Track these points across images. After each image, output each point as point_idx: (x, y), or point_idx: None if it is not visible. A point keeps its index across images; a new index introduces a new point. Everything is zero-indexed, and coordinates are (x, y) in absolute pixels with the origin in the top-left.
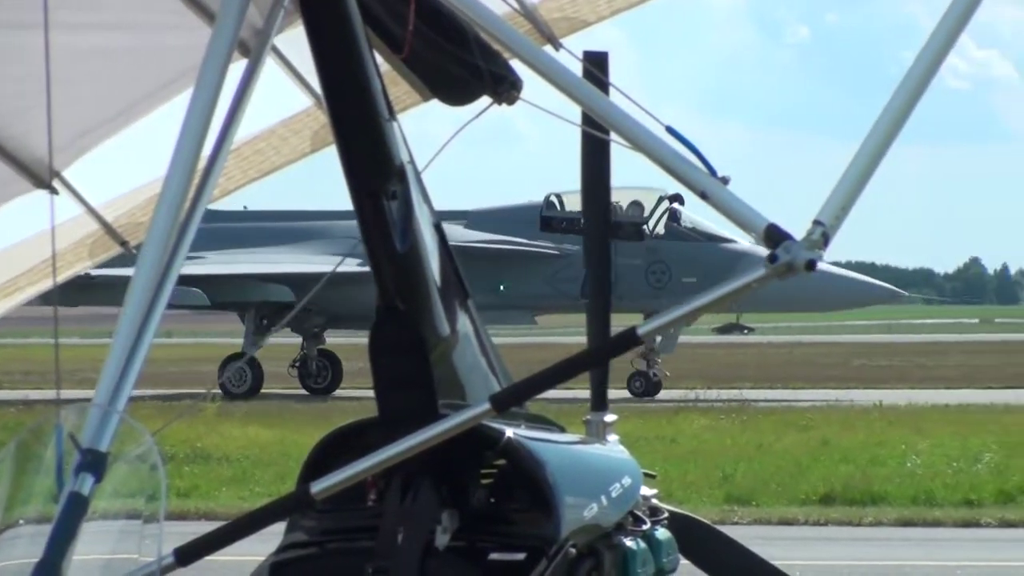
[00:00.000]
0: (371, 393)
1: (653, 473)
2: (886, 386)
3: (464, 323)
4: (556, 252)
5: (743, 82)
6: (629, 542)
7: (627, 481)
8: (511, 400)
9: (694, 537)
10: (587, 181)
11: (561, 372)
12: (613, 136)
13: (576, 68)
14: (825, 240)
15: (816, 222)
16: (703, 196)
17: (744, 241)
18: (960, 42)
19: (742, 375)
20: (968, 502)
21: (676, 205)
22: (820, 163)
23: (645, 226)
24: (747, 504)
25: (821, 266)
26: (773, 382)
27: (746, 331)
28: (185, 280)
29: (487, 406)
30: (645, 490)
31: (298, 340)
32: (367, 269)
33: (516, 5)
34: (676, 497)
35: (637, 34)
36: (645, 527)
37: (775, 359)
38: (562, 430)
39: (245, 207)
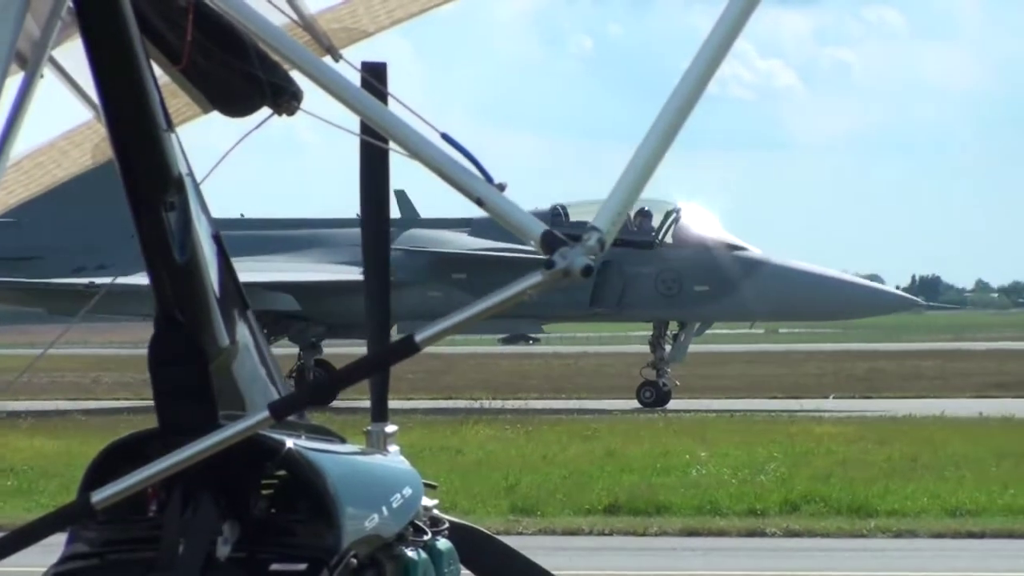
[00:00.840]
0: (368, 404)
1: (434, 484)
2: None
3: (243, 333)
4: None
5: (529, 91)
6: (410, 552)
7: (408, 492)
8: (289, 408)
9: (475, 547)
10: (366, 189)
11: (339, 380)
12: (391, 144)
13: (355, 78)
14: (601, 246)
15: (592, 228)
16: (479, 203)
17: (755, 248)
18: (744, 52)
19: (528, 385)
20: (752, 511)
21: (675, 210)
22: (607, 169)
23: (654, 234)
24: (532, 514)
25: (840, 274)
26: (558, 392)
27: (531, 341)
28: None
29: (266, 414)
30: (426, 500)
31: (294, 350)
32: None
33: (295, 16)
34: (461, 507)
35: (423, 44)
36: (426, 538)
37: (561, 369)
38: (343, 441)
39: (242, 215)
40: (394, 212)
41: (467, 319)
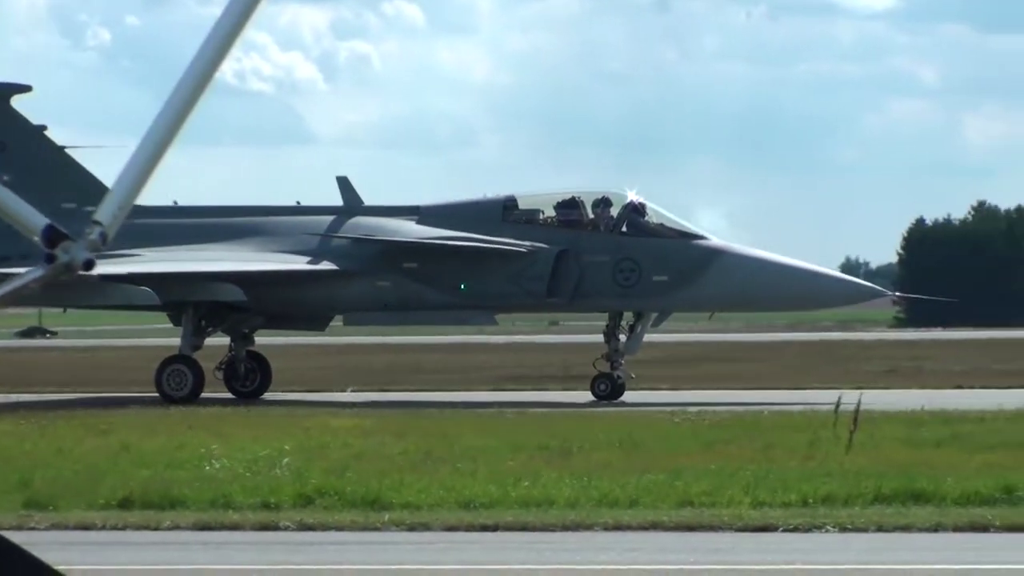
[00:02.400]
0: (301, 396)
1: None
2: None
3: None
4: (522, 249)
5: (48, 84)
6: None
7: None
8: None
9: None
10: None
11: None
12: None
13: None
14: (103, 239)
15: (94, 222)
16: None
17: (715, 238)
18: (263, 45)
19: (44, 379)
20: (266, 505)
21: (640, 200)
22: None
23: (609, 221)
24: (45, 509)
25: (806, 264)
26: (72, 386)
27: (48, 335)
28: (134, 279)
29: None
30: None
31: (225, 341)
32: (317, 267)
33: None
34: None
35: None
36: None
37: (80, 363)
38: None
39: (175, 202)
40: (336, 199)
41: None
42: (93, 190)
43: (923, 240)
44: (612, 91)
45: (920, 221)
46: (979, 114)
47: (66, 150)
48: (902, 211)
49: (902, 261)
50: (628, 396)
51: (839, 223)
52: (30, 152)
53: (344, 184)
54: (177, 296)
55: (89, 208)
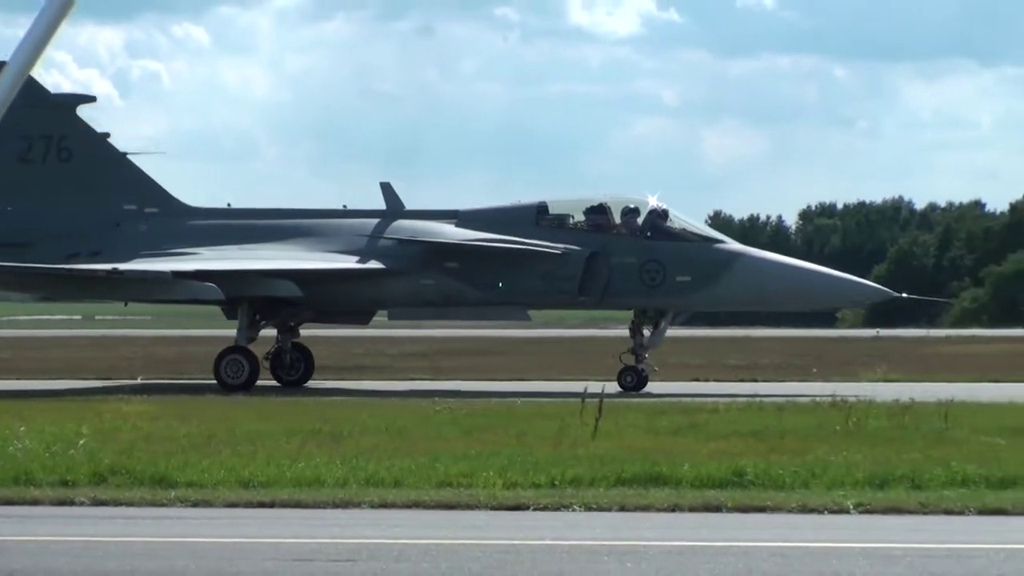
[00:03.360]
0: (342, 384)
1: None
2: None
3: None
4: (556, 251)
5: None
6: None
7: None
8: None
9: None
10: None
11: None
12: None
13: None
14: None
15: None
16: None
17: (734, 242)
18: (63, 63)
19: None
20: (64, 482)
21: (662, 207)
22: None
23: (636, 226)
24: None
25: (815, 267)
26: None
27: None
28: (202, 276)
29: None
30: None
31: (272, 333)
32: (366, 266)
33: None
34: None
35: None
36: None
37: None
38: None
39: (229, 204)
40: (380, 204)
41: None
42: (151, 192)
43: None
44: (381, 109)
45: None
46: (715, 131)
47: (127, 156)
48: None
49: None
50: (397, 385)
51: None
52: (94, 158)
53: (387, 189)
54: (239, 291)
55: (148, 209)
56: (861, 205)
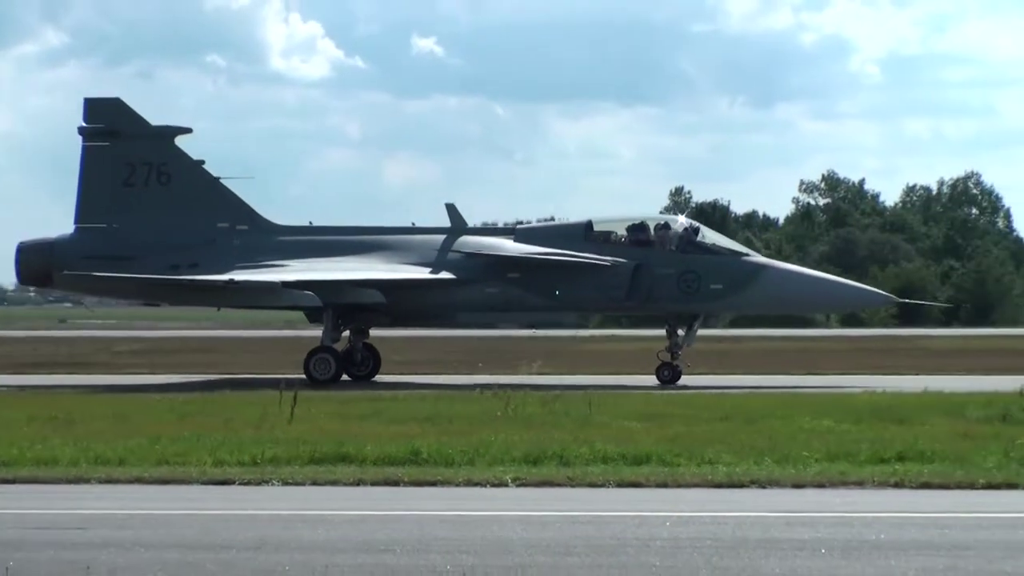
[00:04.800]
0: (405, 379)
1: None
2: None
3: None
4: (607, 263)
5: None
6: None
7: None
8: None
9: None
10: None
11: None
12: None
13: None
14: None
15: None
16: None
17: (759, 255)
18: None
19: None
20: None
21: (692, 224)
22: None
23: (674, 241)
24: None
25: (828, 276)
26: None
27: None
28: (303, 285)
29: None
30: None
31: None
32: (439, 276)
33: None
34: None
35: None
36: None
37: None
38: None
39: (311, 223)
40: (446, 222)
41: None
42: (241, 211)
43: None
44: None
45: None
46: (394, 161)
47: (220, 180)
48: None
49: None
50: (121, 379)
51: None
52: (191, 182)
53: (452, 209)
54: (333, 299)
55: (239, 226)
56: (519, 223)
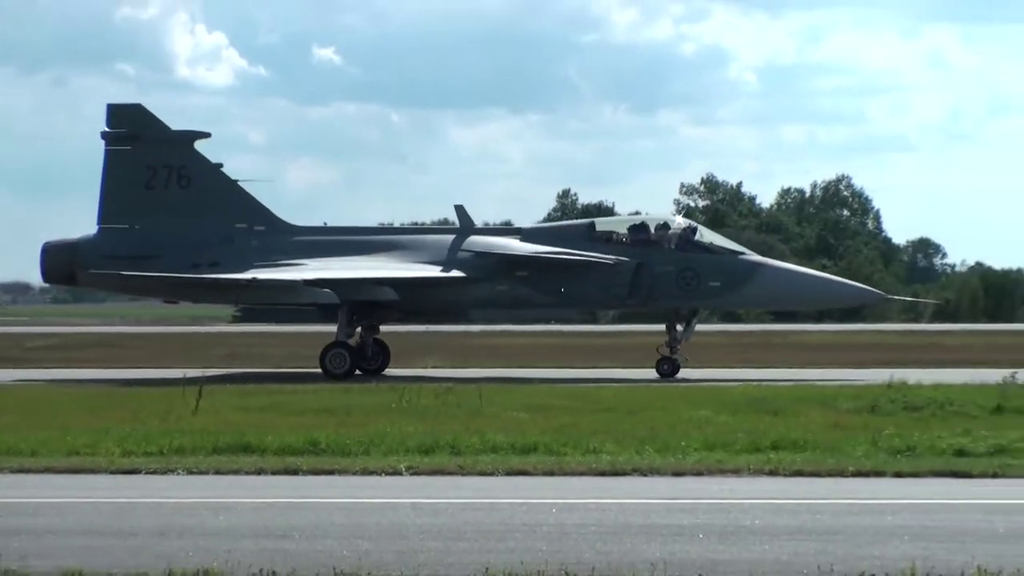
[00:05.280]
0: (411, 372)
1: None
2: None
3: None
4: (609, 261)
5: None
6: None
7: None
8: None
9: None
10: None
11: None
12: None
13: None
14: None
15: None
16: None
17: (754, 254)
18: None
19: None
20: None
21: (690, 224)
22: None
23: (673, 240)
24: None
25: (820, 274)
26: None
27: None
28: (322, 283)
29: None
30: None
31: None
32: (450, 274)
33: None
34: None
35: None
36: None
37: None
38: None
39: (325, 223)
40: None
41: None
42: (258, 213)
43: None
44: (23, 145)
45: None
46: (296, 165)
47: (238, 182)
48: None
49: None
50: (33, 374)
51: None
52: (210, 185)
53: (460, 210)
54: (351, 296)
55: (256, 227)
56: (415, 223)
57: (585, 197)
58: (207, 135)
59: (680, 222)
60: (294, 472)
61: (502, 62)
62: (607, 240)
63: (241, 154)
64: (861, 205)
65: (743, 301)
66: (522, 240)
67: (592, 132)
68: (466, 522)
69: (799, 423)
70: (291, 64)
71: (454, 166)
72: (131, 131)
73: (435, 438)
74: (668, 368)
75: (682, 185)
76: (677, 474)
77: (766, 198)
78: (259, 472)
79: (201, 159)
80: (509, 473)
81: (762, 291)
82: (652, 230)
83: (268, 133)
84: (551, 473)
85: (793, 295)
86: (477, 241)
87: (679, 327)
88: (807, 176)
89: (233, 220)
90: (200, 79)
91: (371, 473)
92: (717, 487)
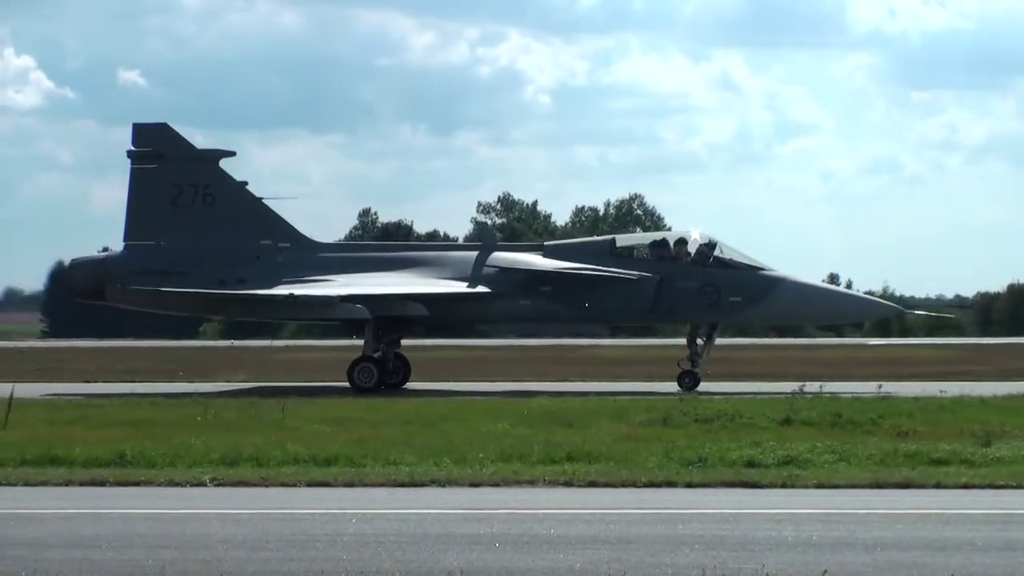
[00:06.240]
0: (432, 385)
1: None
2: None
3: None
4: (632, 277)
5: None
6: None
7: None
8: None
9: None
10: None
11: None
12: None
13: None
14: None
15: None
16: None
17: (775, 269)
18: None
19: None
20: None
21: (710, 240)
22: None
23: (694, 256)
24: None
25: (840, 288)
26: None
27: None
28: (354, 299)
29: None
30: None
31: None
32: (476, 289)
33: None
34: None
35: None
36: None
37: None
38: None
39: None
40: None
41: None
42: (282, 230)
43: None
44: None
45: None
46: (103, 184)
47: (262, 200)
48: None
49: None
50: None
51: None
52: (235, 202)
53: (483, 227)
54: (381, 311)
55: (281, 244)
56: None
57: (385, 216)
58: (232, 154)
59: (699, 237)
60: (101, 484)
61: (302, 84)
62: (628, 256)
63: (48, 174)
64: (654, 223)
65: (762, 316)
66: (545, 256)
67: (391, 152)
68: (268, 532)
69: (593, 435)
70: (97, 86)
71: (256, 186)
72: (156, 150)
73: (238, 450)
74: (689, 382)
75: (479, 204)
76: (474, 485)
77: (561, 216)
78: (67, 483)
79: (226, 177)
80: (311, 484)
81: (781, 306)
82: (673, 246)
83: (75, 153)
84: (351, 484)
85: (812, 310)
86: (501, 257)
87: (699, 341)
88: (600, 195)
89: (258, 237)
90: (10, 101)
91: (176, 484)
92: (513, 497)
